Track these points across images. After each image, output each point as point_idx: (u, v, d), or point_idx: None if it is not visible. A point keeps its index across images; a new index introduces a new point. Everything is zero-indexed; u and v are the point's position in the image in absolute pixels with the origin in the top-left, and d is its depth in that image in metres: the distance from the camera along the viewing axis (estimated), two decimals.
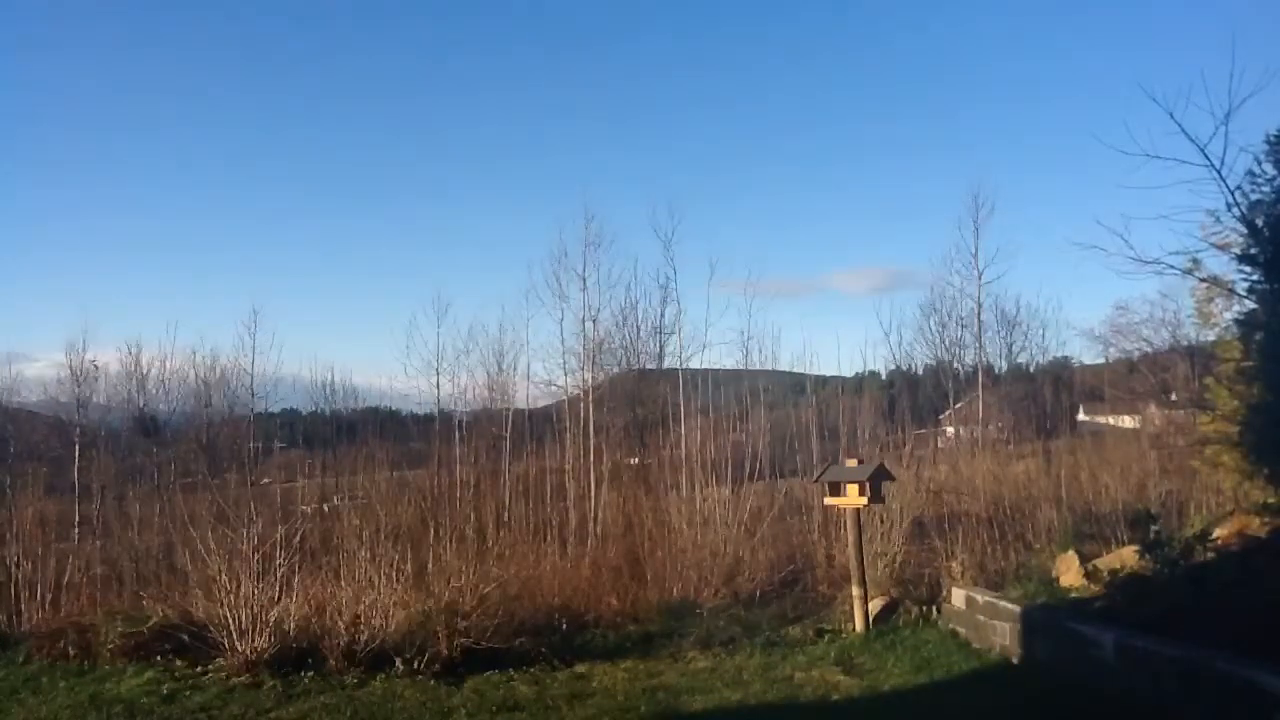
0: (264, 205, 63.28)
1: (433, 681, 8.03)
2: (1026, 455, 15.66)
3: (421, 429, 20.73)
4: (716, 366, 17.47)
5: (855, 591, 9.76)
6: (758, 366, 17.12)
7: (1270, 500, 8.82)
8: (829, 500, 10.57)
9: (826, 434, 15.63)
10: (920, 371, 24.75)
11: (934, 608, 10.01)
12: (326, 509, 14.89)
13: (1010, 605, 8.46)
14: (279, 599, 8.68)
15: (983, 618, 8.81)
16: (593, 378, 16.75)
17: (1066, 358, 25.90)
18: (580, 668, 8.54)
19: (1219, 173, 8.85)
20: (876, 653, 8.76)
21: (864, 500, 9.77)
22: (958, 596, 9.48)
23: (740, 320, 17.20)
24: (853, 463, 10.42)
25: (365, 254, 61.92)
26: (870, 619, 9.75)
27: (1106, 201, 39.87)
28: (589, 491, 14.11)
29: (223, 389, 19.39)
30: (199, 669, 8.49)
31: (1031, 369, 23.77)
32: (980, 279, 20.24)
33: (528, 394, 17.94)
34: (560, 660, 8.71)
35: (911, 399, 19.80)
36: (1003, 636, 8.38)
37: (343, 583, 9.17)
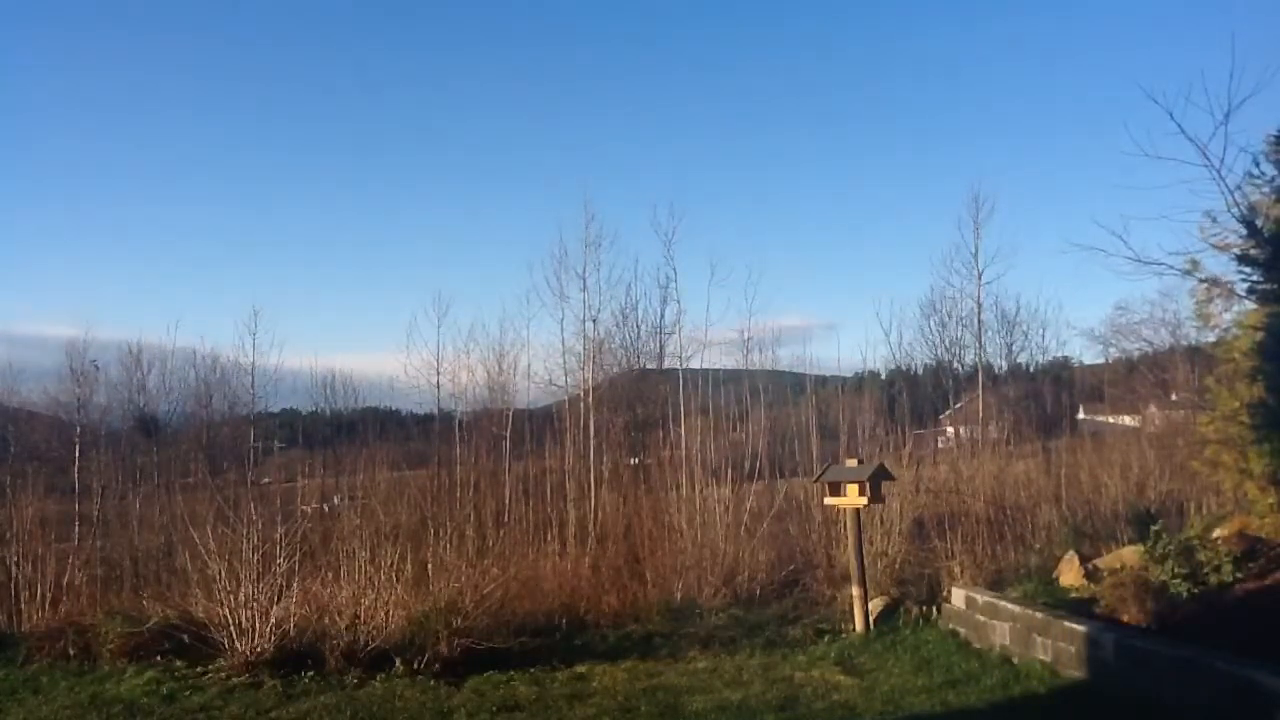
0: (263, 204, 63.33)
1: (433, 681, 8.03)
2: (1026, 455, 15.63)
3: (421, 429, 20.75)
4: (716, 366, 17.47)
5: (855, 591, 9.76)
6: (757, 366, 17.14)
7: (1270, 500, 8.81)
8: (829, 500, 10.57)
9: (826, 434, 15.61)
10: (920, 371, 24.74)
11: (934, 608, 10.00)
12: (326, 509, 14.88)
13: (1010, 605, 8.46)
14: (279, 599, 8.69)
15: (983, 618, 8.81)
16: (593, 378, 16.73)
17: (1066, 358, 25.94)
18: (580, 668, 8.54)
19: (1219, 173, 8.86)
20: (876, 653, 8.76)
21: (864, 500, 9.77)
22: (958, 596, 9.48)
23: (740, 320, 17.21)
24: (853, 463, 10.42)
25: (366, 253, 61.95)
26: (870, 619, 9.75)
27: (1106, 202, 40.01)
28: (589, 491, 14.10)
29: (223, 389, 19.41)
30: (199, 669, 8.49)
31: (1031, 369, 23.76)
32: (980, 279, 20.19)
33: (528, 394, 17.94)
34: (560, 660, 8.71)
35: (911, 399, 19.73)
36: (1003, 636, 8.38)
37: (343, 583, 9.18)
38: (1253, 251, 8.89)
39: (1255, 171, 8.90)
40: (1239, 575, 7.90)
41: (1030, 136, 59.62)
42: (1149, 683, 6.44)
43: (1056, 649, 7.56)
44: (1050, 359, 24.29)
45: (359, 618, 8.61)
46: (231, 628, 8.48)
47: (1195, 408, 13.87)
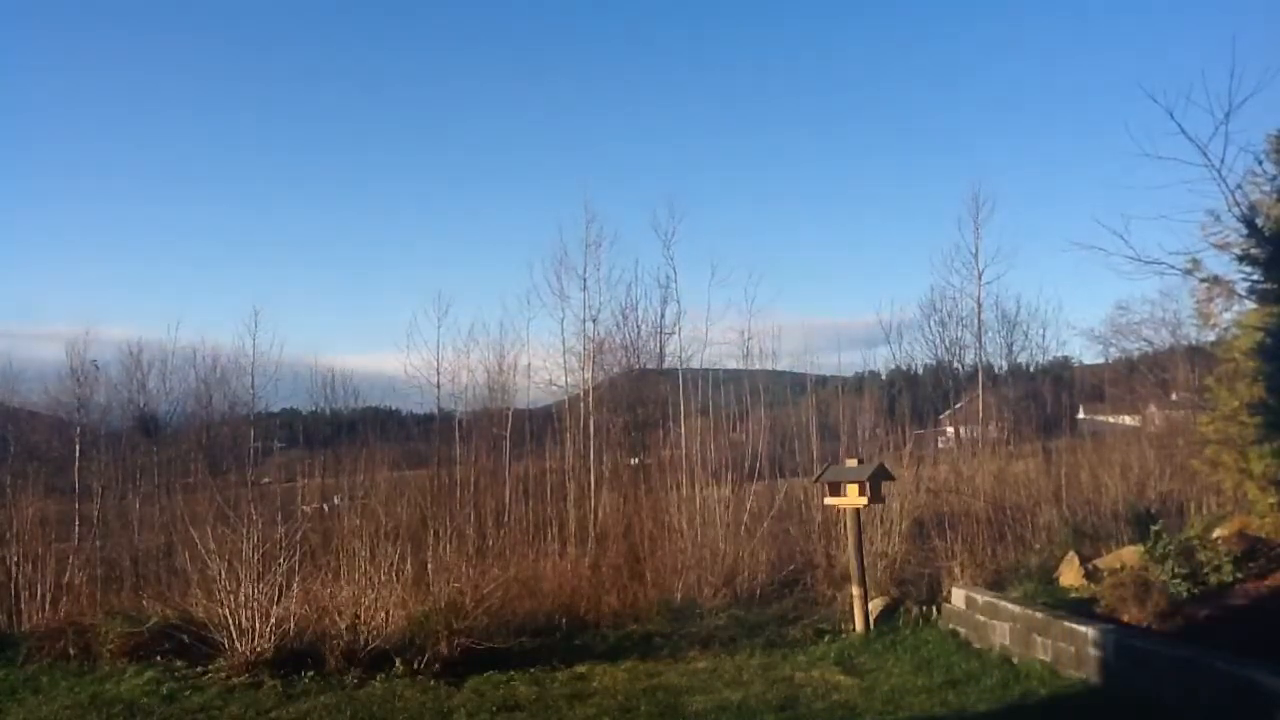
0: (263, 204, 63.32)
1: (433, 681, 8.03)
2: (1026, 455, 15.63)
3: (421, 429, 20.77)
4: (716, 366, 17.45)
5: (855, 591, 9.76)
6: (758, 366, 17.12)
7: (1270, 500, 8.81)
8: (829, 500, 10.57)
9: (826, 434, 15.61)
10: (920, 371, 24.76)
11: (934, 608, 10.00)
12: (326, 509, 14.88)
13: (1010, 605, 8.45)
14: (279, 599, 8.68)
15: (983, 618, 8.80)
16: (593, 377, 16.74)
17: (1066, 358, 25.89)
18: (580, 668, 8.54)
19: (1219, 172, 8.89)
20: (877, 653, 8.75)
21: (864, 500, 9.76)
22: (958, 596, 9.47)
23: (740, 320, 17.19)
24: (853, 463, 10.41)
25: (366, 253, 61.91)
26: (870, 619, 9.74)
27: (1107, 201, 39.78)
28: (589, 491, 14.09)
29: (223, 389, 19.45)
30: (199, 669, 8.49)
31: (1031, 369, 23.73)
32: (980, 279, 20.18)
33: (528, 394, 17.92)
34: (560, 660, 8.71)
35: (911, 399, 19.74)
36: (1003, 636, 8.38)
37: (343, 583, 9.17)
38: (1253, 251, 8.90)
39: (1257, 170, 8.92)
40: (1239, 575, 7.91)
41: (1030, 136, 59.67)
42: (1149, 683, 6.44)
43: (1056, 649, 7.56)
44: (1050, 359, 24.29)
45: (359, 618, 8.61)
46: (231, 628, 8.48)
47: (1195, 408, 13.87)
